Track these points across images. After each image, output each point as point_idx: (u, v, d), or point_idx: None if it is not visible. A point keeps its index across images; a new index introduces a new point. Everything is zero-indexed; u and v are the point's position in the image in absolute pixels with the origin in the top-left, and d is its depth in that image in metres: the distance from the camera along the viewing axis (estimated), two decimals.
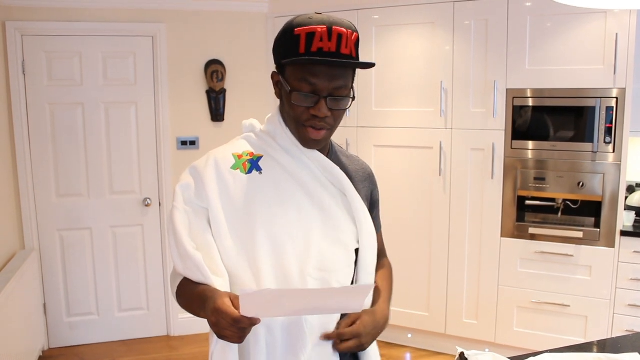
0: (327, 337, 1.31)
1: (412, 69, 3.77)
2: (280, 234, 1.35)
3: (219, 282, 1.32)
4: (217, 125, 4.19)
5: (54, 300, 4.05)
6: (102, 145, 4.01)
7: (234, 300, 1.21)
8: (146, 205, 4.12)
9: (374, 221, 1.54)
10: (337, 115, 1.36)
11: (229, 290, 1.33)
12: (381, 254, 1.61)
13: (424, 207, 3.86)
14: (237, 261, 1.35)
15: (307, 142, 1.38)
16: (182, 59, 4.07)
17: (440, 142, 3.73)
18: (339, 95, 1.32)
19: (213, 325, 1.22)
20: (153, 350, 4.09)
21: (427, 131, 3.77)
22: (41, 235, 3.96)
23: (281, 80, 1.37)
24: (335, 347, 1.32)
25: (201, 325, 4.35)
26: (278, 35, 1.38)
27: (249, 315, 1.17)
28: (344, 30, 1.30)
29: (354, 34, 1.33)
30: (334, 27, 1.29)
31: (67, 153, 3.96)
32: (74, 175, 3.99)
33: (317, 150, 1.42)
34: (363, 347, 1.34)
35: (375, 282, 1.49)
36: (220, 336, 1.22)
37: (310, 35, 1.29)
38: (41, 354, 3.92)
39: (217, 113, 4.15)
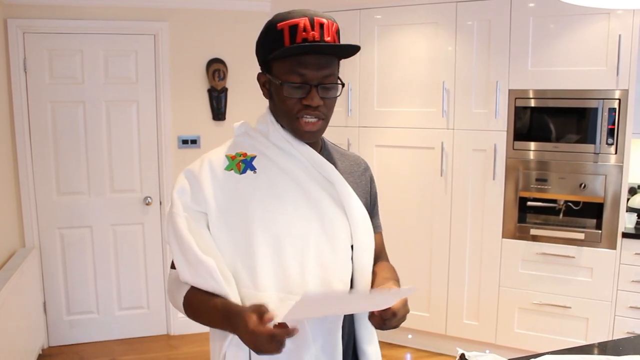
0: (379, 319, 1.28)
1: (414, 69, 3.76)
2: (279, 231, 1.34)
3: (230, 289, 1.31)
4: (219, 124, 4.18)
5: (54, 298, 4.04)
6: (103, 144, 4.01)
7: (263, 311, 1.20)
8: (147, 204, 4.12)
9: (374, 221, 1.53)
10: (329, 104, 1.38)
11: (238, 297, 1.32)
12: (381, 256, 1.58)
13: (425, 208, 3.85)
14: (236, 261, 1.34)
15: (302, 135, 1.38)
16: (183, 57, 4.07)
17: (442, 143, 3.72)
18: (328, 83, 1.35)
19: (251, 345, 1.21)
20: (153, 349, 4.08)
21: (428, 131, 3.76)
22: (41, 233, 3.96)
23: (269, 78, 1.38)
24: (381, 326, 1.30)
25: (201, 325, 4.33)
26: (259, 36, 1.40)
27: (291, 318, 1.17)
28: (325, 20, 1.33)
29: (334, 24, 1.36)
30: (315, 17, 1.32)
31: (68, 151, 3.95)
32: (75, 173, 3.99)
33: (310, 146, 1.42)
34: (395, 325, 1.31)
35: (378, 273, 1.48)
36: (259, 352, 1.20)
37: (294, 28, 1.31)
38: (41, 352, 3.91)
39: (218, 112, 4.15)
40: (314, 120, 1.36)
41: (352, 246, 1.43)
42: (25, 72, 3.79)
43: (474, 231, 3.71)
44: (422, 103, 3.76)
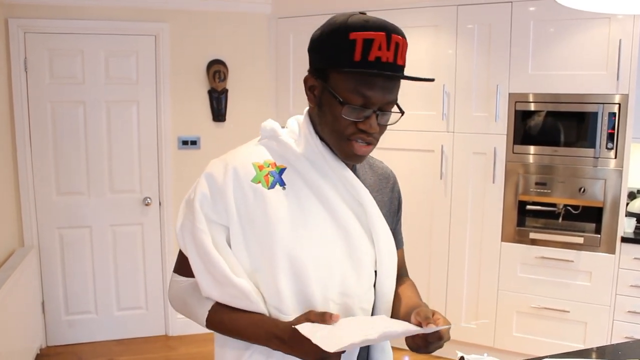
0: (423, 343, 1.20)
1: (414, 71, 3.75)
2: (303, 256, 1.26)
3: (265, 308, 1.28)
4: (219, 125, 4.18)
5: (53, 298, 4.04)
6: (103, 144, 4.01)
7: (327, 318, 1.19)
8: (146, 205, 4.12)
9: (397, 236, 1.47)
10: (384, 130, 1.29)
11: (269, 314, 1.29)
12: (402, 272, 1.51)
13: (424, 211, 3.85)
14: (256, 281, 1.29)
15: (350, 158, 1.29)
16: (184, 58, 4.07)
17: (442, 146, 3.72)
18: (389, 110, 1.26)
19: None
20: (151, 349, 4.08)
21: (428, 134, 3.76)
22: (41, 232, 3.96)
23: (325, 87, 1.25)
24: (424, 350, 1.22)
25: (199, 326, 4.34)
26: (323, 36, 1.24)
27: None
28: (401, 38, 1.22)
29: (406, 42, 1.25)
30: (392, 34, 1.20)
31: (68, 151, 3.95)
32: (75, 173, 3.98)
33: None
34: (433, 350, 1.23)
35: (402, 295, 1.43)
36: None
37: (368, 43, 1.17)
38: (39, 352, 3.91)
39: (218, 113, 4.15)
40: (365, 144, 1.26)
41: (375, 271, 1.37)
42: (26, 72, 3.79)
43: (473, 234, 3.71)
44: (422, 106, 3.76)
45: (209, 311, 1.32)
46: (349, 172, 1.33)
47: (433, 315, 1.21)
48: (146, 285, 4.22)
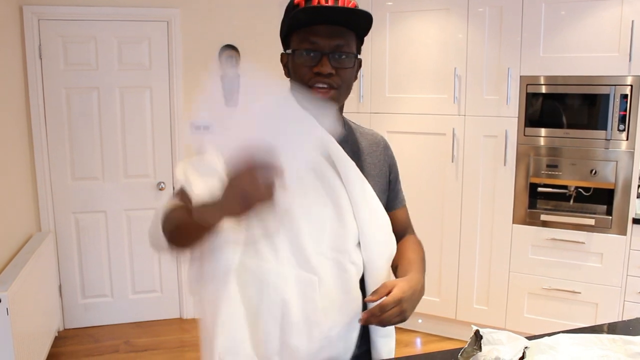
0: (367, 316, 1.24)
1: (425, 55, 3.77)
2: (296, 209, 1.34)
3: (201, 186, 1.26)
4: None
5: (69, 281, 4.11)
6: (117, 129, 4.05)
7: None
8: (160, 189, 4.16)
9: (397, 195, 1.59)
10: (343, 75, 1.35)
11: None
12: (407, 230, 1.62)
13: (436, 193, 3.87)
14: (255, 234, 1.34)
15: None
16: (196, 44, 4.09)
17: (453, 129, 3.73)
18: (340, 52, 1.34)
19: (238, 197, 1.02)
20: (166, 332, 4.15)
21: (440, 117, 3.78)
22: (57, 217, 4.02)
23: (288, 54, 1.39)
24: (376, 323, 1.25)
25: None
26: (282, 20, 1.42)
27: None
28: None
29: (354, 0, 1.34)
30: None
31: (82, 137, 4.00)
32: (89, 159, 4.03)
33: (332, 122, 1.41)
34: (405, 316, 1.27)
35: (403, 255, 1.52)
36: (251, 202, 1.02)
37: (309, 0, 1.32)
38: (57, 334, 3.98)
39: None
40: (325, 87, 1.34)
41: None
42: (41, 59, 3.83)
43: (484, 217, 3.74)
44: (433, 89, 3.77)
45: (163, 218, 1.31)
46: (331, 141, 1.40)
47: (390, 290, 1.27)
48: (161, 269, 4.28)
